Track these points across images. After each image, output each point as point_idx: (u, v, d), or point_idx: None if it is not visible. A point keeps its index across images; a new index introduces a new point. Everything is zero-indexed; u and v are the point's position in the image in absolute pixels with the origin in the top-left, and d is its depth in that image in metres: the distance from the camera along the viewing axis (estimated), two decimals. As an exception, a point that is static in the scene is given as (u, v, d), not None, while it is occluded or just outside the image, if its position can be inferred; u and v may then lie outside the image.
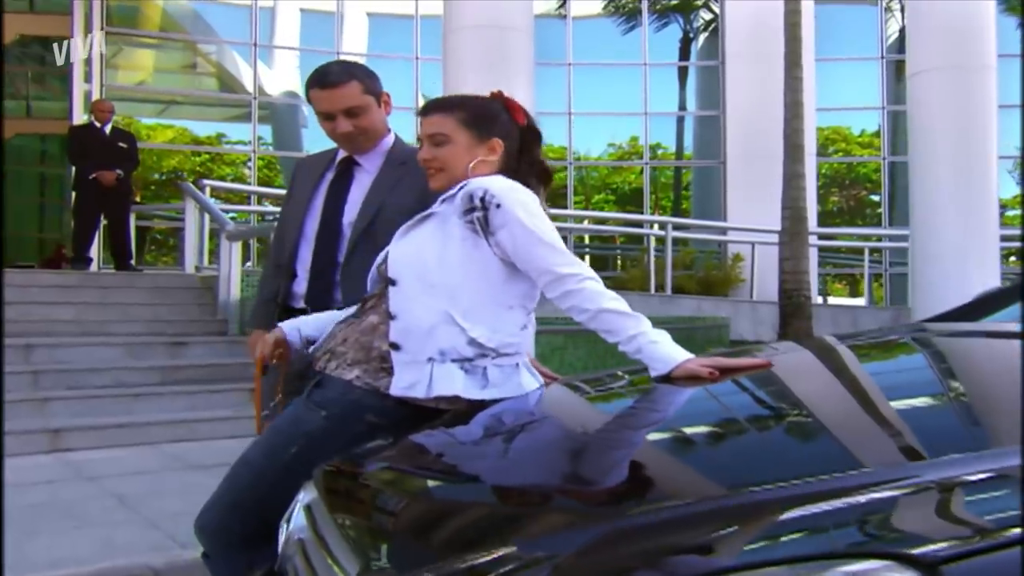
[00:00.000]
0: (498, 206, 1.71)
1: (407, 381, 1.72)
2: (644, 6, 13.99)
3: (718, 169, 13.16)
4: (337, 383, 1.77)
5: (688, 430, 1.47)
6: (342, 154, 2.37)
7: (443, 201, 1.82)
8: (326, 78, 2.21)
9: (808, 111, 8.85)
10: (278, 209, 12.67)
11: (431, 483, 1.46)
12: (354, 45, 14.10)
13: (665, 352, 1.65)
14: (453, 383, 1.70)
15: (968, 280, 6.13)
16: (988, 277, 6.45)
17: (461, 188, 1.77)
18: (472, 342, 1.72)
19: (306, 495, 1.53)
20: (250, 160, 13.30)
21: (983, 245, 6.44)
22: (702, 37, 14.89)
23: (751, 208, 11.40)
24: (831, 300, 14.17)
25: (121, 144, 8.09)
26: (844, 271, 15.39)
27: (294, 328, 2.01)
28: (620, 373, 1.92)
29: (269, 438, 1.82)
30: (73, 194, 8.40)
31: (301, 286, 2.31)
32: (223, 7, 14.25)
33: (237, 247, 7.69)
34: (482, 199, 1.72)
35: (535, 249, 1.72)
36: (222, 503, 1.81)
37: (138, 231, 9.90)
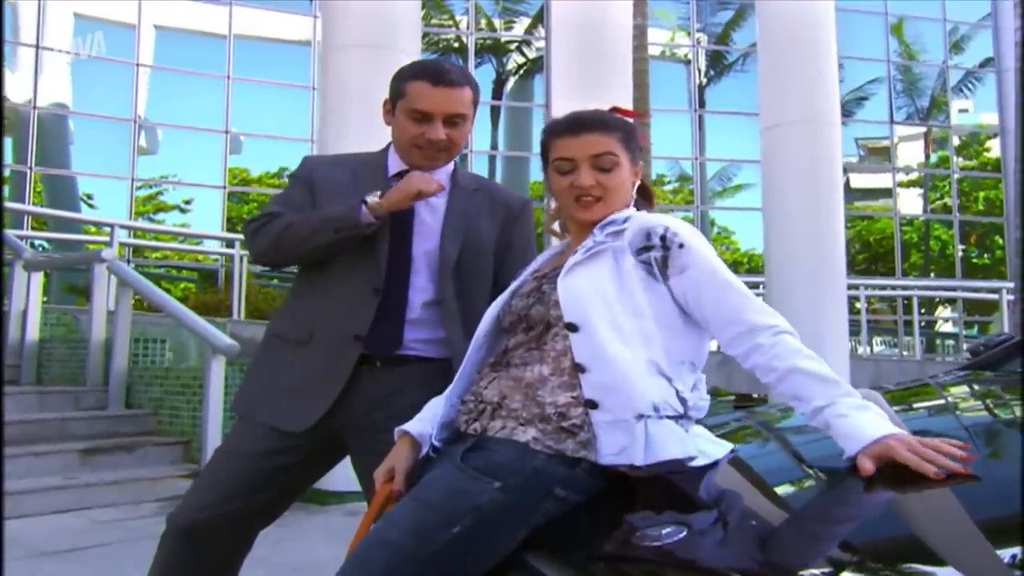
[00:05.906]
0: (681, 246, 1.47)
1: (617, 445, 1.37)
2: (471, 44, 13.98)
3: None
4: (507, 446, 1.41)
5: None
6: (395, 166, 1.96)
7: (607, 233, 1.53)
8: (447, 75, 1.85)
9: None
10: (49, 235, 11.06)
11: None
12: (148, 57, 12.86)
13: (853, 426, 1.29)
14: (677, 445, 1.38)
15: (819, 323, 6.46)
16: (837, 320, 6.87)
17: (625, 221, 1.54)
18: (679, 395, 1.43)
19: None
20: (26, 178, 11.55)
21: (834, 289, 6.83)
22: (512, 80, 15.15)
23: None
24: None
25: None
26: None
27: (425, 433, 1.56)
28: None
29: (416, 513, 1.35)
30: None
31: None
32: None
33: (37, 278, 6.51)
34: (663, 237, 1.48)
35: (726, 295, 1.46)
36: None
37: None
